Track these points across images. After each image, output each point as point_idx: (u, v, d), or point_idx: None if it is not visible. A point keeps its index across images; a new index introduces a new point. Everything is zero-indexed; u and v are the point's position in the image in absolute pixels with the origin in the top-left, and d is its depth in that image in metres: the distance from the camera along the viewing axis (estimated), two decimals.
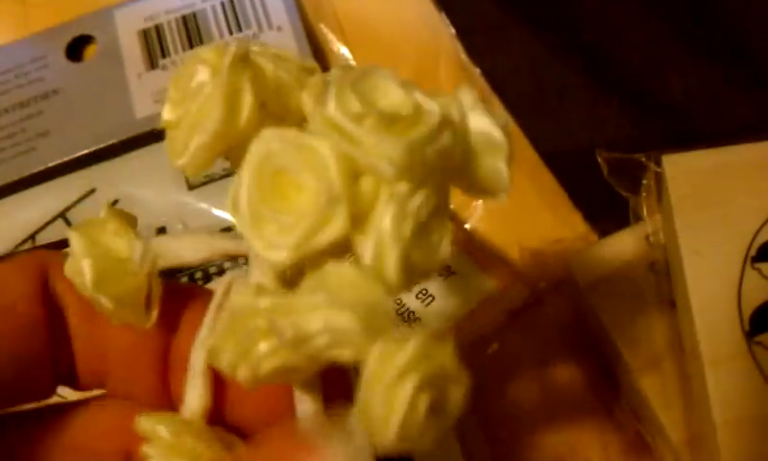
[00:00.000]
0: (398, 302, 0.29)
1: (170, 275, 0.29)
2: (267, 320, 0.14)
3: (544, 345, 0.31)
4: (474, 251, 0.31)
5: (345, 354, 0.13)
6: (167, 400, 0.18)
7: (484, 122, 0.15)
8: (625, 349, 0.28)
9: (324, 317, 0.13)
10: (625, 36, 0.36)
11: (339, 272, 0.13)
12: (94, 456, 0.18)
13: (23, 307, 0.17)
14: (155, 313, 0.17)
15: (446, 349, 0.13)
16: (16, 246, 0.32)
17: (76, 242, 0.16)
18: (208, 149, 0.15)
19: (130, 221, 0.17)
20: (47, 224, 0.32)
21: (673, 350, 0.28)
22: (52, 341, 0.17)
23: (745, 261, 0.26)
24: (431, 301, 0.29)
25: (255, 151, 0.14)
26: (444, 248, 0.14)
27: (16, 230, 0.32)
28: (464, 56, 0.35)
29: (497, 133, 0.15)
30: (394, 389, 0.13)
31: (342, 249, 0.14)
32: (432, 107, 0.14)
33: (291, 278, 0.15)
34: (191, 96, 0.15)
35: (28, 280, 0.17)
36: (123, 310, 0.16)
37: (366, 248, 0.14)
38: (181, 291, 0.18)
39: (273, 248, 0.14)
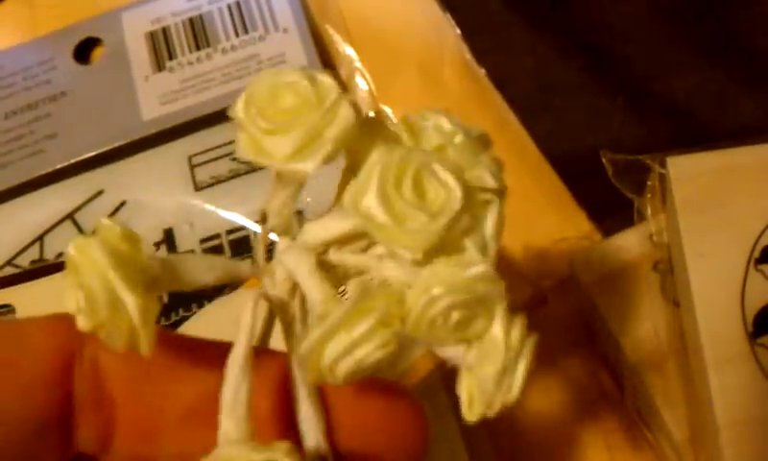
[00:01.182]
0: None
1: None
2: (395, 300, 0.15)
3: (548, 344, 0.31)
4: None
5: (477, 325, 0.15)
6: None
7: None
8: (628, 347, 0.28)
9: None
10: (628, 36, 0.36)
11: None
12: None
13: (41, 382, 0.16)
14: (152, 341, 0.15)
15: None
16: (24, 247, 0.32)
17: (95, 245, 0.15)
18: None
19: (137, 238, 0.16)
20: (55, 225, 0.32)
21: (676, 348, 0.28)
22: (72, 414, 0.16)
23: (749, 263, 0.26)
24: None
25: (387, 156, 0.15)
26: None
27: (24, 231, 0.32)
28: (468, 56, 0.35)
29: None
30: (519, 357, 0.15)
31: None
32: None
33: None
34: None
35: (55, 350, 0.16)
36: (143, 327, 0.15)
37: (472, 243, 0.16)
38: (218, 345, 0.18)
39: (415, 236, 0.15)
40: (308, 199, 0.32)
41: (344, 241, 0.16)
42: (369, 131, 0.16)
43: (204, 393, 0.17)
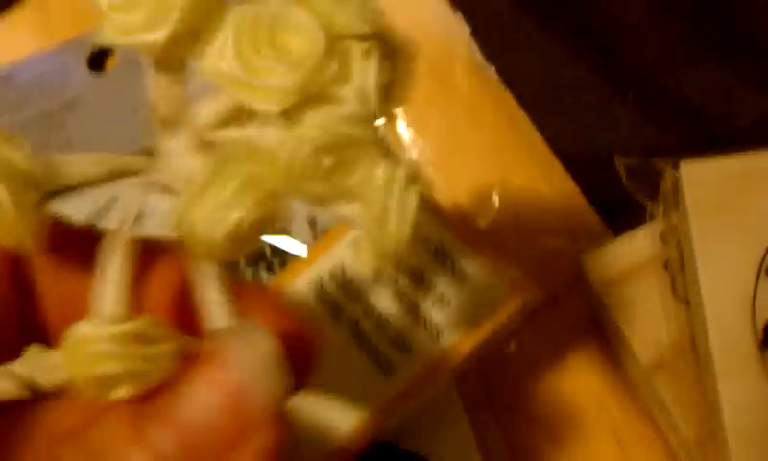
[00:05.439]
0: (416, 310, 0.30)
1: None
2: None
3: (559, 343, 0.31)
4: (489, 251, 0.31)
5: (356, 173, 0.14)
6: None
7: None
8: (638, 346, 0.28)
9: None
10: (638, 34, 0.36)
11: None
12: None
13: None
14: (36, 237, 0.16)
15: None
16: None
17: None
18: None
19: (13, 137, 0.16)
20: None
21: (686, 347, 0.28)
22: (19, 301, 0.18)
23: (759, 271, 0.26)
24: (447, 307, 0.30)
25: (240, 15, 0.15)
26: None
27: None
28: (479, 55, 0.35)
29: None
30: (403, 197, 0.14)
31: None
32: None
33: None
34: None
35: None
36: (21, 220, 0.15)
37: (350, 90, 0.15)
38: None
39: (277, 92, 0.14)
40: None
41: (230, 119, 0.16)
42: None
43: None
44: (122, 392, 0.15)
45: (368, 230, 0.14)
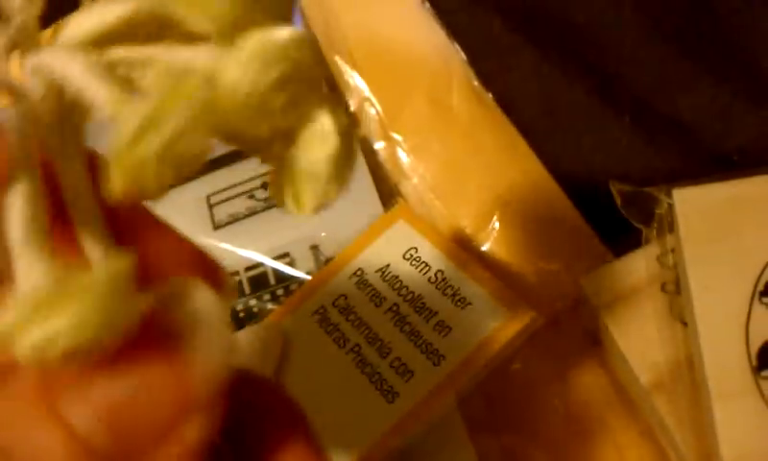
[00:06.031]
0: (418, 336, 0.30)
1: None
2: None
3: (561, 363, 0.32)
4: (490, 275, 0.32)
5: (300, 108, 0.13)
6: None
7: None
8: (638, 367, 0.29)
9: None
10: (634, 57, 0.36)
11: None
12: None
13: None
14: None
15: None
16: None
17: None
18: None
19: None
20: None
21: (684, 368, 0.28)
22: None
23: (753, 296, 0.27)
24: (448, 331, 0.30)
25: None
26: None
27: None
28: (476, 82, 0.36)
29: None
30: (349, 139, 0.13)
31: None
32: None
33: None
34: None
35: None
36: None
37: None
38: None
39: (217, 5, 0.12)
40: (323, 233, 0.32)
41: (117, 37, 0.13)
42: None
43: None
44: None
45: (299, 177, 0.13)
